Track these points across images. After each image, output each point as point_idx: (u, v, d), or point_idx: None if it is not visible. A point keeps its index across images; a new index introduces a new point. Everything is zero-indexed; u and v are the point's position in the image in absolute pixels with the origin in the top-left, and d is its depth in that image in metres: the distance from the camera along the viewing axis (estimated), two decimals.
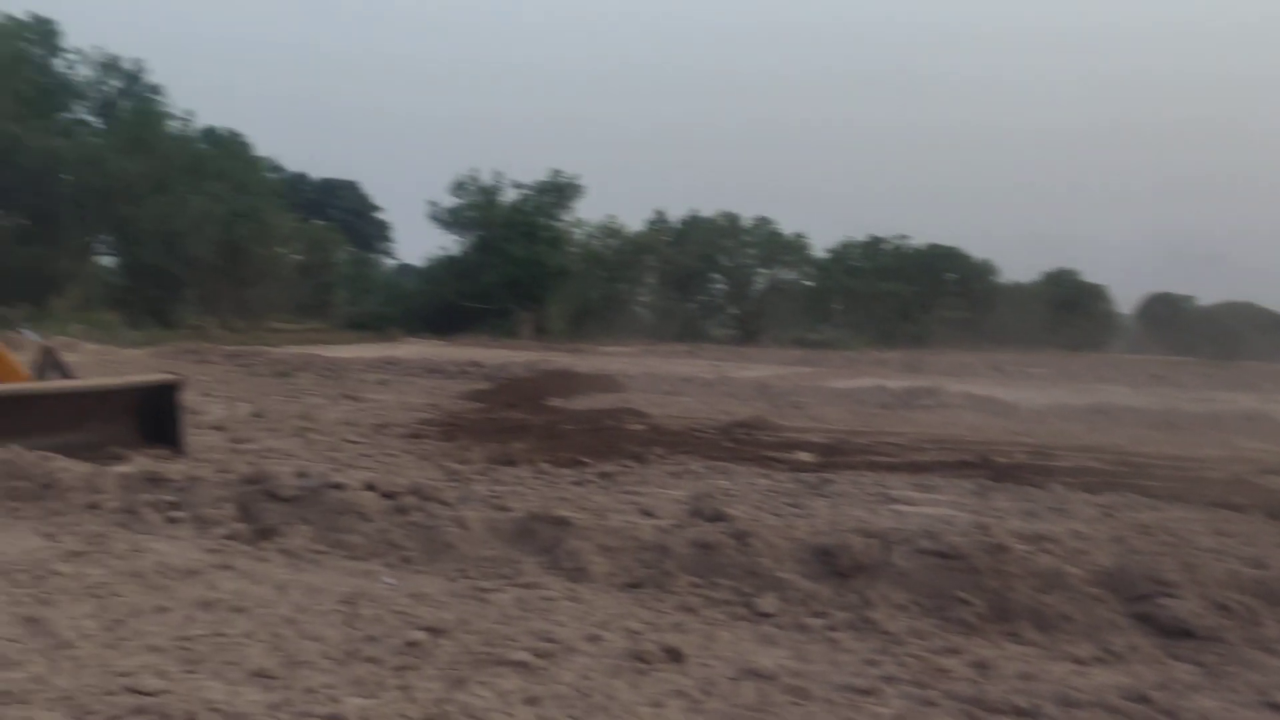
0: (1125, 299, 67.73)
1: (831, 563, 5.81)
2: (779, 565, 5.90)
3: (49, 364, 10.80)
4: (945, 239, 63.10)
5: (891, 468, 11.45)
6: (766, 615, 5.44)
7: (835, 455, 12.41)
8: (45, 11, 43.49)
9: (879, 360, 35.19)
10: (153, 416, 10.64)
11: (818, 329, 61.74)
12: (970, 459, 12.33)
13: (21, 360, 11.08)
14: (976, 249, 64.92)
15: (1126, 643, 5.20)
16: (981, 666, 4.84)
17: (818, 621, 5.33)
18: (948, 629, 5.32)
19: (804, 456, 12.13)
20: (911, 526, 6.96)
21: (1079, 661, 4.99)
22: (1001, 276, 65.50)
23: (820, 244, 61.47)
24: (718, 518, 6.78)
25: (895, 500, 9.41)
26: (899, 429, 16.03)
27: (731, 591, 5.75)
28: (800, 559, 5.95)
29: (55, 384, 10.66)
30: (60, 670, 4.27)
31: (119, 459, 9.13)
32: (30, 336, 11.84)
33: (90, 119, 44.98)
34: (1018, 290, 65.02)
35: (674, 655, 4.76)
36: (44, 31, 42.91)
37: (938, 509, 9.04)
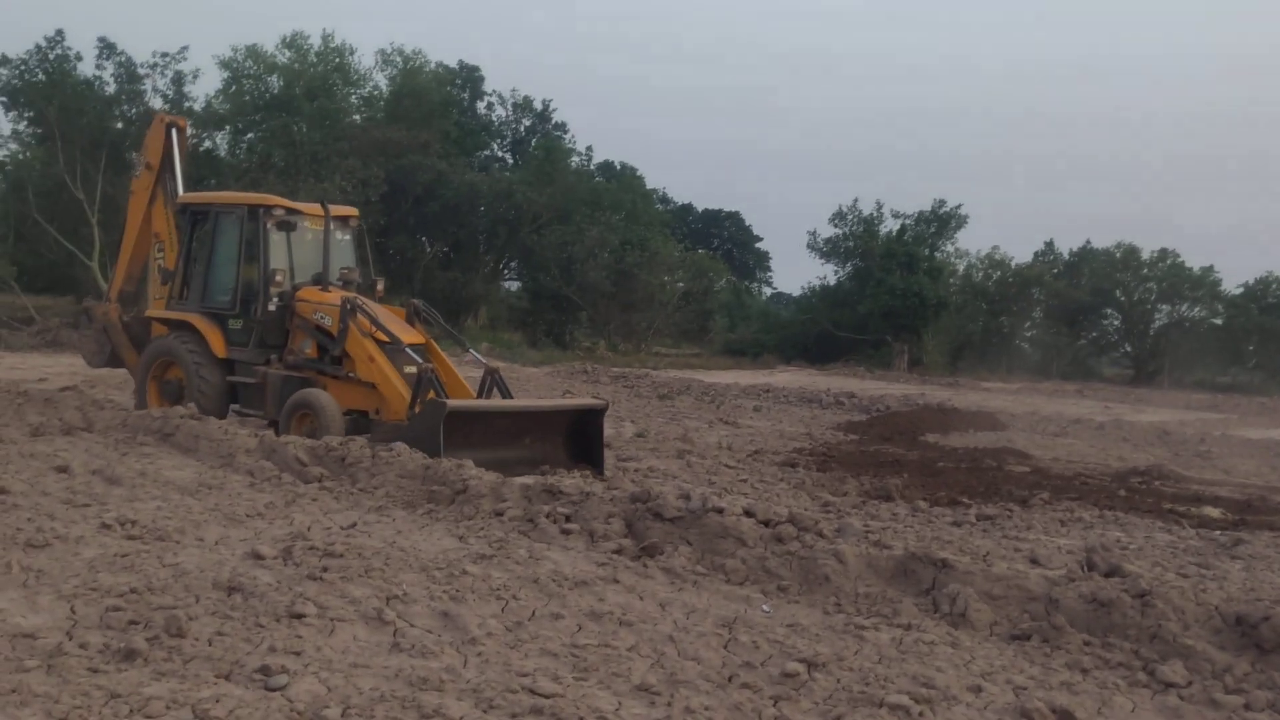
0: None
1: (1251, 634, 5.24)
2: (1186, 631, 5.40)
3: (491, 383, 11.74)
4: None
5: None
6: (1171, 685, 4.98)
7: (1250, 513, 11.21)
8: (471, 59, 48.15)
9: None
10: (577, 437, 11.29)
11: (1227, 372, 56.12)
12: None
13: (466, 379, 12.19)
14: None
15: None
16: None
17: (1233, 699, 4.81)
18: None
19: (1212, 512, 11.06)
20: None
21: None
22: None
23: (1233, 279, 55.93)
24: (1114, 572, 6.32)
25: None
26: None
27: (1130, 654, 5.33)
28: (1212, 627, 5.41)
29: (506, 403, 11.62)
30: (469, 664, 4.66)
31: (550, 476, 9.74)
32: (476, 357, 12.80)
33: (504, 155, 49.31)
34: None
35: (1065, 717, 4.48)
36: (470, 78, 47.51)
37: None
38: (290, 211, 12.61)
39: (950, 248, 51.95)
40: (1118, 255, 55.11)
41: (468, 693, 4.29)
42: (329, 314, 11.73)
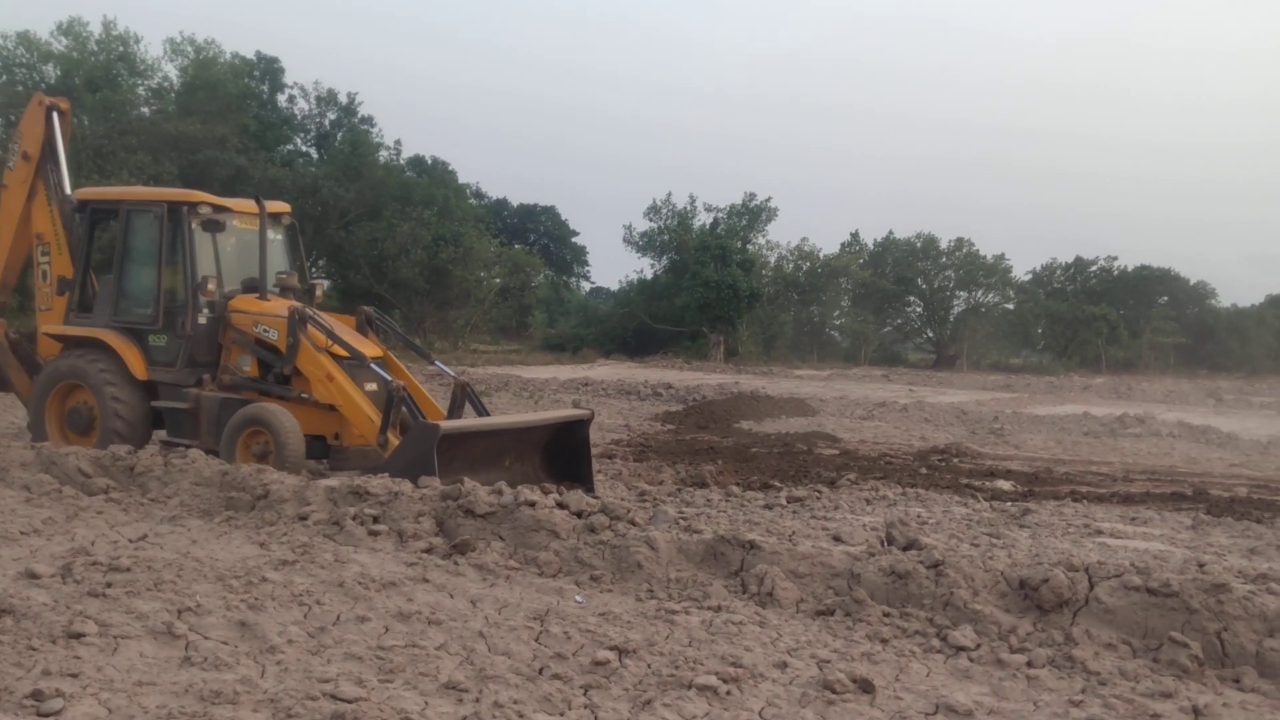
0: None
1: (1033, 596, 5.54)
2: (975, 597, 5.66)
3: (463, 399, 10.62)
4: (1158, 260, 60.02)
5: (1098, 499, 10.89)
6: (962, 648, 5.22)
7: (1037, 484, 11.90)
8: (270, 50, 46.43)
9: (1084, 386, 33.62)
10: (563, 451, 10.35)
11: (1019, 354, 59.53)
12: (1185, 491, 11.63)
13: (432, 394, 10.95)
14: (1192, 271, 61.32)
15: None
16: (1198, 713, 4.50)
17: (1017, 658, 5.07)
18: (1159, 671, 4.98)
19: (1004, 485, 11.68)
20: (1120, 561, 6.57)
21: None
22: (1220, 300, 61.76)
23: (1022, 266, 59.40)
24: (912, 546, 6.58)
25: (1102, 533, 8.94)
26: (1106, 458, 15.25)
27: (925, 622, 5.56)
28: (999, 591, 5.69)
29: (499, 421, 10.62)
30: (267, 673, 4.47)
31: None
32: (444, 370, 11.64)
33: (308, 150, 47.81)
34: (1238, 314, 61.11)
35: (864, 686, 4.62)
36: (269, 69, 45.88)
37: (1149, 543, 8.53)
38: (218, 209, 10.92)
39: (761, 240, 53.28)
40: (918, 245, 57.66)
41: (265, 703, 4.11)
42: (274, 326, 10.27)
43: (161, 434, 10.84)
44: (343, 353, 10.06)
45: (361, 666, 4.63)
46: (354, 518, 7.21)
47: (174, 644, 4.72)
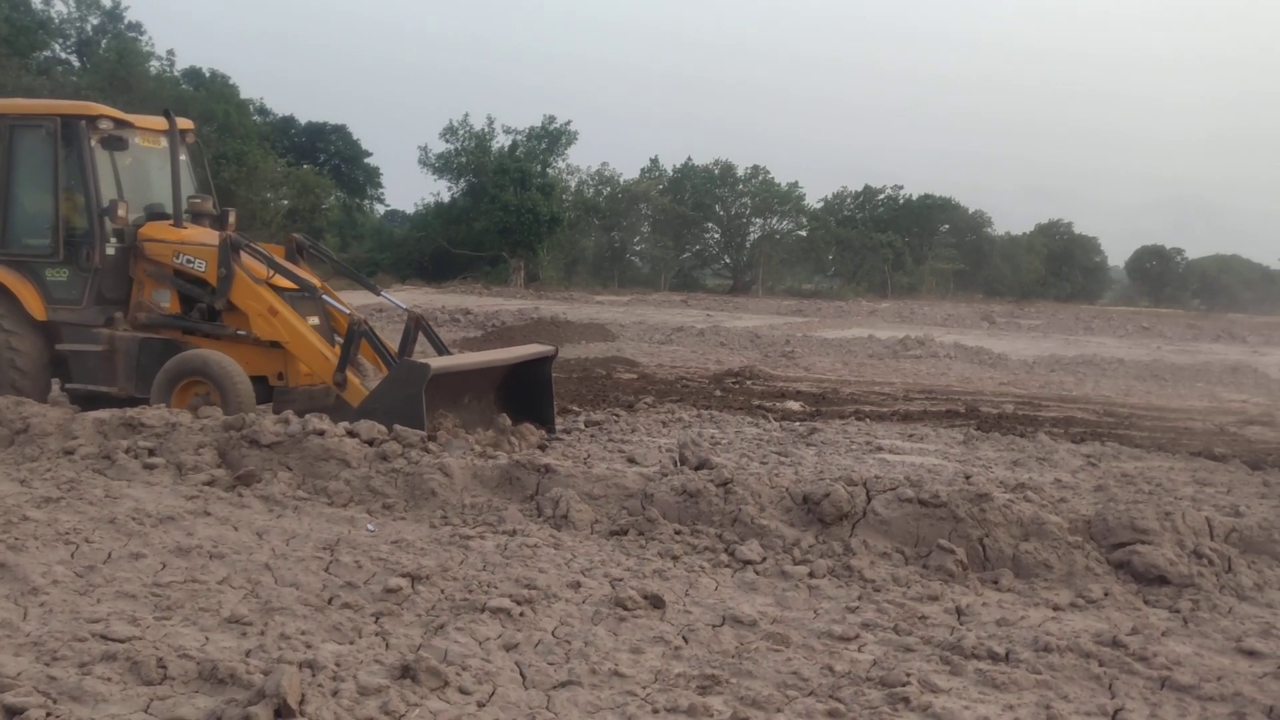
0: (1117, 251, 68.19)
1: (815, 510, 5.77)
2: (762, 513, 5.86)
3: (416, 335, 9.77)
4: (940, 190, 63.21)
5: (880, 417, 11.42)
6: (748, 562, 5.40)
7: (824, 404, 12.39)
8: None
9: (871, 311, 35.18)
10: (526, 389, 9.59)
11: (811, 279, 61.69)
12: (958, 409, 12.33)
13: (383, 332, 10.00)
14: (970, 200, 64.97)
15: (1103, 589, 5.19)
16: (960, 613, 4.82)
17: (800, 569, 5.29)
18: (928, 576, 5.30)
19: (793, 405, 12.10)
20: (897, 475, 6.92)
21: (1056, 607, 4.98)
22: (994, 228, 65.58)
23: (815, 194, 61.42)
24: (703, 465, 6.74)
25: (882, 449, 9.38)
26: (889, 379, 16.02)
27: (714, 538, 5.72)
28: (784, 507, 5.91)
29: (481, 357, 9.90)
30: (29, 616, 4.22)
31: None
32: (395, 304, 10.88)
33: (68, 57, 44.28)
34: (1011, 242, 65.08)
35: (655, 602, 4.73)
36: None
37: (924, 458, 9.02)
38: (120, 124, 9.67)
39: (561, 164, 52.96)
40: (716, 171, 58.60)
41: (27, 646, 3.88)
42: (200, 256, 9.22)
43: (68, 384, 9.63)
44: (287, 284, 9.18)
45: (136, 605, 4.42)
46: (127, 450, 6.84)
47: None
